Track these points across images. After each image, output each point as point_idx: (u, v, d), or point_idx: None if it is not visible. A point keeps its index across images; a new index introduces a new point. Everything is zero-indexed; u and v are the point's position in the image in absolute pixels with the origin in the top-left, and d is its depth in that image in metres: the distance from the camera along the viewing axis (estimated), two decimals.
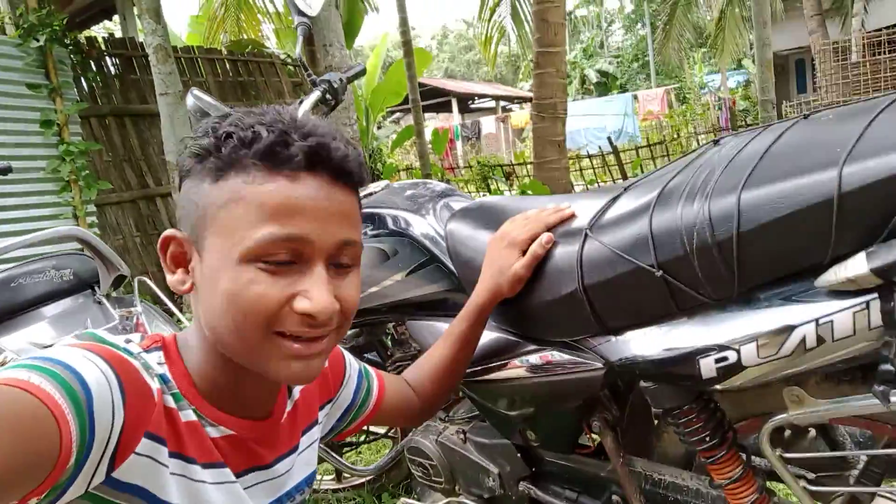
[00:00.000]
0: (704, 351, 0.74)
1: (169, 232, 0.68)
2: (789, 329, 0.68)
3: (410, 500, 1.37)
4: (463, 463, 1.28)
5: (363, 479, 1.94)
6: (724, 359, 0.73)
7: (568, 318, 0.89)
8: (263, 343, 0.62)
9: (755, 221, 0.68)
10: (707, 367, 0.74)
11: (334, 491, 2.00)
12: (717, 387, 0.76)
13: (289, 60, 7.17)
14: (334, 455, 1.64)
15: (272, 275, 0.61)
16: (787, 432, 0.97)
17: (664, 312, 0.79)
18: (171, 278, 0.68)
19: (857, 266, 0.63)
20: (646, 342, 0.81)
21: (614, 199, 0.89)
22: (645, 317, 0.81)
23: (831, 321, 0.66)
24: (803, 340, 0.68)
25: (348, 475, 2.00)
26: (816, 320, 0.67)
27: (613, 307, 0.83)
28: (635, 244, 0.78)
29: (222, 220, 0.62)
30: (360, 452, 2.26)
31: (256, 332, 0.62)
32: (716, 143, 0.85)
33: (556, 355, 0.97)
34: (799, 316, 0.68)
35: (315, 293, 0.61)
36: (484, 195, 8.42)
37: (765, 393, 0.89)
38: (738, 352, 0.72)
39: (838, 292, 0.66)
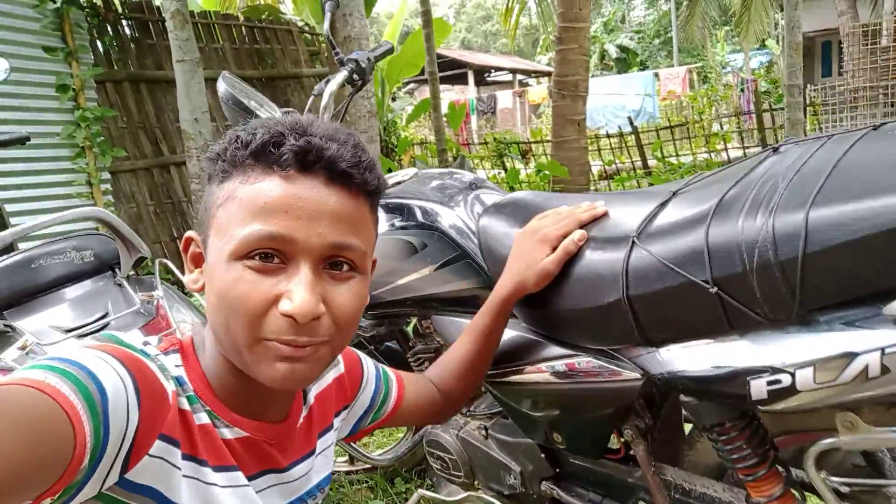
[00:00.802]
0: (756, 372, 0.71)
1: (189, 233, 0.70)
2: (851, 356, 0.65)
3: (428, 492, 1.36)
4: (483, 459, 1.27)
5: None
6: (778, 381, 0.70)
7: (607, 326, 0.86)
8: (251, 345, 0.62)
9: (824, 243, 0.64)
10: (758, 388, 0.71)
11: (346, 473, 2.00)
12: (766, 408, 0.73)
13: (306, 28, 7.06)
14: (349, 442, 1.63)
15: (259, 273, 0.60)
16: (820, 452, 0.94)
17: (715, 329, 0.75)
18: (186, 277, 0.70)
19: None
20: (691, 357, 0.78)
21: (663, 205, 0.85)
22: (693, 332, 0.78)
23: None
24: (866, 369, 0.64)
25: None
26: (882, 349, 0.63)
27: (659, 320, 0.80)
28: (689, 257, 0.74)
29: (219, 218, 0.63)
30: (372, 435, 2.25)
31: (242, 331, 0.61)
32: (775, 150, 0.80)
33: (589, 362, 0.94)
34: (863, 343, 0.64)
35: (296, 294, 0.60)
36: (499, 173, 8.33)
37: (811, 413, 0.86)
38: (792, 375, 0.68)
39: None
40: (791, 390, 0.69)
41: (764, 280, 0.68)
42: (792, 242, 0.65)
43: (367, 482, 1.98)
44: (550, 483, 1.16)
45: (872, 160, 0.67)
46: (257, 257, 0.61)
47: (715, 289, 0.71)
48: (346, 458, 2.02)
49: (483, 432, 1.27)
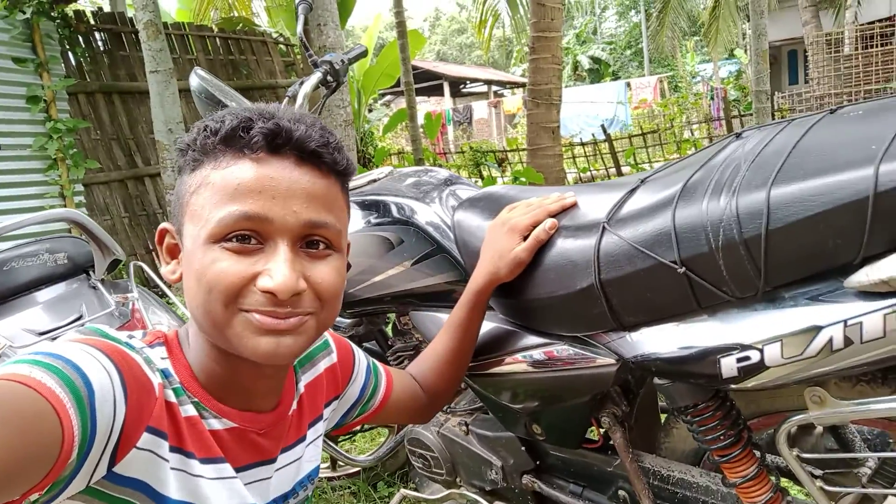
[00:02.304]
0: (726, 350, 0.73)
1: (164, 225, 0.70)
2: (816, 329, 0.67)
3: (410, 492, 1.36)
4: (465, 455, 1.27)
5: (359, 468, 1.92)
6: (747, 358, 0.71)
7: (581, 313, 0.87)
8: (230, 319, 0.62)
9: (785, 219, 0.66)
10: (728, 366, 0.73)
11: (329, 479, 1.99)
12: (737, 386, 0.74)
13: (281, 39, 7.05)
14: (330, 444, 1.62)
15: (236, 254, 0.61)
16: (794, 429, 0.96)
17: (684, 310, 0.76)
18: (163, 269, 0.70)
19: (891, 267, 0.61)
20: (663, 339, 0.79)
21: (631, 192, 0.87)
22: (663, 314, 0.79)
23: (860, 322, 0.64)
24: (830, 341, 0.66)
25: (343, 463, 1.99)
26: (845, 321, 0.65)
27: (631, 303, 0.81)
28: (657, 239, 0.76)
29: (193, 205, 0.63)
30: (354, 441, 2.24)
31: (221, 308, 0.61)
32: (738, 136, 0.83)
33: (565, 350, 0.95)
34: (826, 316, 0.66)
35: (275, 271, 0.61)
36: (476, 182, 8.38)
37: (781, 391, 0.88)
38: (761, 351, 0.70)
39: (868, 293, 0.64)
40: (760, 366, 0.71)
41: (729, 258, 0.70)
42: (755, 220, 0.67)
43: (349, 487, 1.96)
44: (531, 476, 1.17)
45: (829, 140, 0.70)
46: (234, 239, 0.61)
47: (683, 269, 0.73)
48: (329, 463, 2.00)
49: (464, 428, 1.27)
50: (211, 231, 0.61)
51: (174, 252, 0.69)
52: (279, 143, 0.62)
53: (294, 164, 0.63)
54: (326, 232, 0.65)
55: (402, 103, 8.83)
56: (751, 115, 6.85)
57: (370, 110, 11.30)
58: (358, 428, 1.97)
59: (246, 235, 0.61)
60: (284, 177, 0.62)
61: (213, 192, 0.62)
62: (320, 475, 1.99)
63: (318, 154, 0.64)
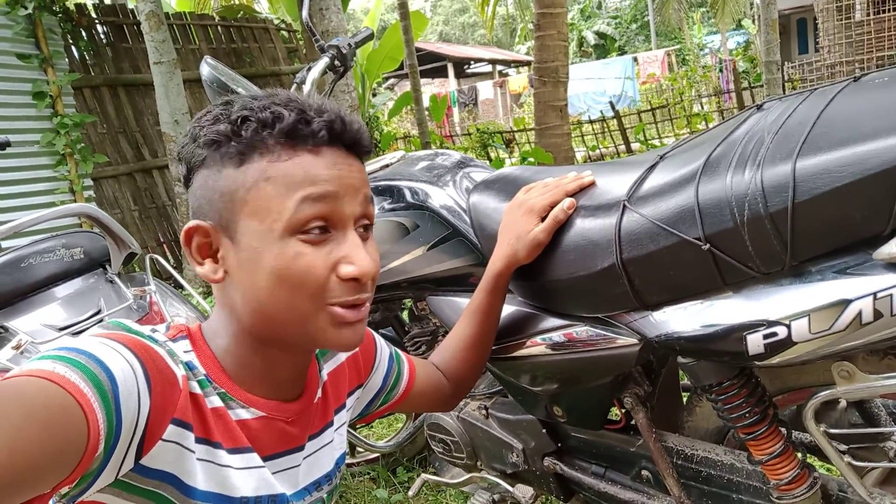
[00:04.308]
0: (752, 327, 0.71)
1: (192, 223, 0.66)
2: (844, 303, 0.65)
3: (431, 476, 1.36)
4: (485, 438, 1.27)
5: (378, 454, 1.93)
6: (774, 334, 0.70)
7: (602, 293, 0.86)
8: (317, 314, 0.64)
9: (812, 191, 0.64)
10: (755, 343, 0.72)
11: (348, 465, 2.00)
12: (763, 363, 0.73)
13: (283, 26, 7.00)
14: (350, 430, 1.63)
15: (314, 245, 0.63)
16: (819, 405, 0.95)
17: (709, 287, 0.75)
18: (200, 270, 0.67)
19: None
20: (687, 318, 0.78)
21: (651, 169, 0.85)
22: (687, 292, 0.78)
23: (890, 295, 0.63)
24: (859, 315, 0.65)
25: (362, 449, 2.00)
26: (874, 294, 0.64)
27: (654, 282, 0.80)
28: (680, 216, 0.74)
29: (254, 200, 0.63)
30: (372, 427, 2.25)
31: (310, 305, 0.64)
32: (759, 107, 0.81)
33: (587, 331, 0.94)
34: (855, 290, 0.65)
35: (356, 257, 0.64)
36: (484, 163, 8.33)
37: (807, 367, 0.87)
38: (788, 327, 0.69)
39: None
40: (787, 342, 0.69)
41: (755, 233, 0.68)
42: (781, 194, 0.66)
43: (368, 473, 1.98)
44: (553, 458, 1.17)
45: (855, 109, 0.68)
46: (312, 231, 0.63)
47: (707, 245, 0.72)
48: (347, 449, 2.02)
49: (483, 412, 1.27)
50: (288, 223, 0.62)
51: (206, 251, 0.66)
52: (336, 133, 0.65)
53: (344, 153, 0.66)
54: (372, 213, 0.70)
55: (406, 87, 8.78)
56: (761, 86, 6.73)
57: (374, 94, 11.25)
58: None
59: (322, 226, 0.64)
60: (343, 165, 0.65)
61: (279, 185, 0.62)
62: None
63: (360, 143, 0.68)
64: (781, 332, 0.70)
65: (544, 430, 1.16)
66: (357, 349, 0.88)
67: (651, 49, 19.82)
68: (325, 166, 0.64)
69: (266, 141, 0.62)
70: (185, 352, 0.66)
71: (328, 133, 0.64)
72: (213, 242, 0.66)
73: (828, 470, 1.34)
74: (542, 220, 0.92)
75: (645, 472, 1.05)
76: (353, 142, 0.67)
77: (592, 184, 0.94)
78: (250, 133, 0.62)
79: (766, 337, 0.71)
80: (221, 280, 0.66)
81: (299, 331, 0.66)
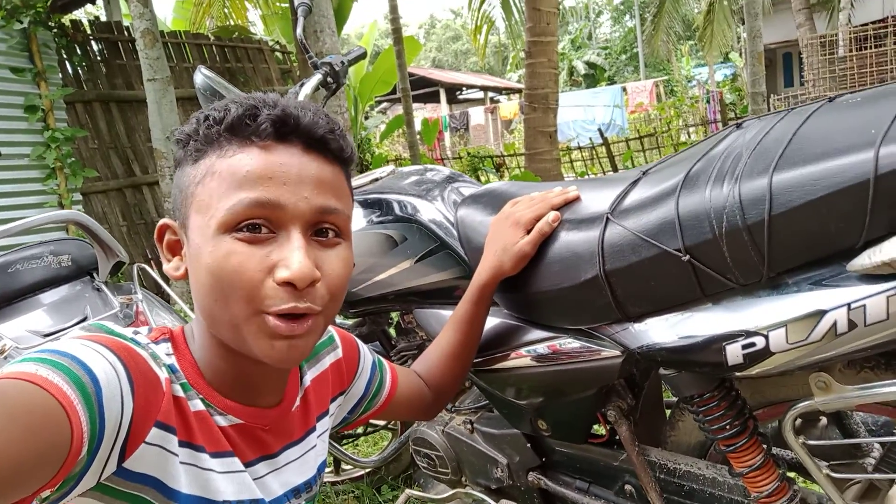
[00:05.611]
0: (731, 337, 0.73)
1: (163, 221, 0.68)
2: (820, 314, 0.67)
3: (416, 492, 1.36)
4: (470, 453, 1.27)
5: (362, 472, 1.92)
6: (752, 345, 0.72)
7: (586, 304, 0.88)
8: (249, 321, 0.61)
9: (787, 204, 0.66)
10: (733, 353, 0.73)
11: (332, 483, 1.98)
12: (743, 373, 0.75)
13: (277, 47, 7.07)
14: (335, 445, 1.62)
15: (249, 244, 0.60)
16: (799, 420, 0.96)
17: (689, 298, 0.77)
18: (166, 266, 0.68)
19: (893, 249, 0.61)
20: (668, 329, 0.80)
21: (633, 184, 0.87)
22: (668, 303, 0.79)
23: (864, 305, 0.65)
24: (834, 325, 0.66)
25: (347, 467, 1.98)
26: (848, 305, 0.65)
27: (635, 293, 0.81)
28: (661, 228, 0.76)
29: (199, 195, 0.62)
30: (356, 445, 2.23)
31: (242, 309, 0.60)
32: (738, 126, 0.84)
33: (570, 343, 0.95)
34: (830, 300, 0.67)
35: (292, 259, 0.60)
36: None
37: (785, 380, 0.88)
38: (766, 337, 0.70)
39: (871, 276, 0.65)
40: (765, 353, 0.71)
41: (733, 245, 0.70)
42: (757, 206, 0.68)
43: (353, 492, 1.96)
44: (537, 473, 1.17)
45: (829, 127, 0.70)
46: (245, 228, 0.60)
47: (687, 256, 0.74)
48: (332, 468, 2.00)
49: (469, 426, 1.27)
50: (221, 220, 0.60)
51: (175, 248, 0.68)
52: (287, 129, 0.62)
53: (302, 150, 0.63)
54: (336, 218, 0.65)
55: (398, 110, 8.86)
56: (747, 116, 6.87)
57: (367, 117, 11.33)
58: (361, 430, 1.97)
59: (257, 224, 0.60)
60: (294, 163, 0.62)
61: (220, 180, 0.61)
62: (324, 480, 1.99)
63: (325, 141, 0.64)
64: (760, 342, 0.71)
65: (529, 445, 1.16)
66: (340, 356, 0.88)
67: (640, 79, 20.18)
68: (271, 163, 0.61)
69: (219, 136, 0.62)
70: (167, 354, 0.66)
71: (272, 127, 0.61)
72: (180, 240, 0.66)
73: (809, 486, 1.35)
74: (528, 232, 0.94)
75: (628, 487, 1.05)
76: (315, 140, 0.64)
77: (577, 198, 0.96)
78: (204, 129, 0.63)
79: (744, 347, 0.72)
80: (182, 277, 0.66)
81: (232, 335, 0.63)
